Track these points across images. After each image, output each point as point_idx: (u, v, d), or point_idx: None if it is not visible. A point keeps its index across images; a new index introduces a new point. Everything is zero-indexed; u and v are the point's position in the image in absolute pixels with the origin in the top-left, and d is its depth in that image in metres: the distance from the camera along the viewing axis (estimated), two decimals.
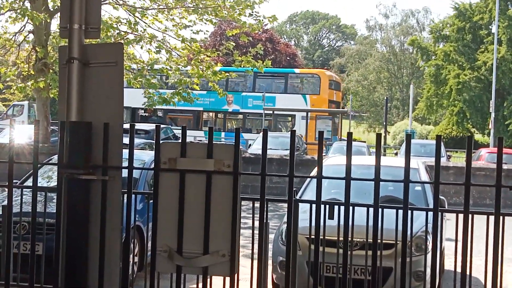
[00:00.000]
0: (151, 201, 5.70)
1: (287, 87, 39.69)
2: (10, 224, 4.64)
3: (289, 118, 39.11)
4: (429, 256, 6.73)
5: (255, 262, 5.16)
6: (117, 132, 4.24)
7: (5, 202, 6.58)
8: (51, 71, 18.05)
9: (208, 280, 4.54)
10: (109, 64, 4.29)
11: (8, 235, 4.77)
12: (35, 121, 4.64)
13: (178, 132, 31.33)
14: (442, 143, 6.08)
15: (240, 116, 40.42)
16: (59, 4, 17.88)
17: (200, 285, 4.49)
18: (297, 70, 44.36)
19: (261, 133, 29.57)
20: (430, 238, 7.04)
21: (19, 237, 6.90)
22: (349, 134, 3.97)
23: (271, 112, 36.60)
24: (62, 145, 4.26)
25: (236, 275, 4.17)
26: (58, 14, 18.06)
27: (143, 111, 39.77)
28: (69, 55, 4.30)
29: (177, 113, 39.68)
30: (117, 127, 4.24)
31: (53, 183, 8.95)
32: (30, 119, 40.75)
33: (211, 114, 41.24)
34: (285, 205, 14.75)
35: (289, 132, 6.10)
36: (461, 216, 5.39)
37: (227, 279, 4.74)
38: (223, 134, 38.98)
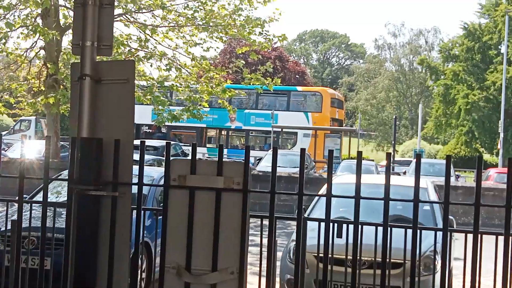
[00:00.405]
0: (160, 217, 5.71)
1: (290, 105, 39.89)
2: (19, 239, 4.65)
3: (292, 136, 39.30)
4: (437, 275, 6.71)
5: (263, 280, 5.15)
6: (128, 149, 4.27)
7: (15, 217, 6.61)
8: (61, 87, 18.16)
9: None
10: (121, 81, 4.32)
11: (17, 250, 4.78)
12: (45, 136, 4.68)
13: (184, 148, 31.48)
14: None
15: (243, 133, 40.61)
16: (70, 21, 18.06)
17: None
18: (299, 88, 44.55)
19: (270, 150, 29.63)
20: (438, 257, 7.02)
21: (27, 252, 6.93)
22: (359, 153, 3.98)
23: (279, 129, 36.72)
24: (72, 161, 4.28)
25: None
26: (69, 31, 18.24)
27: (147, 127, 40.02)
28: (81, 71, 4.34)
29: (180, 129, 39.88)
30: (128, 144, 4.27)
31: (62, 198, 8.98)
32: (38, 134, 40.98)
33: (214, 130, 41.45)
34: (293, 223, 14.65)
35: (298, 150, 6.09)
36: (470, 236, 5.38)
37: None
38: (225, 151, 39.15)
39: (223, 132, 41.07)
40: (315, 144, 35.45)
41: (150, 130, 40.75)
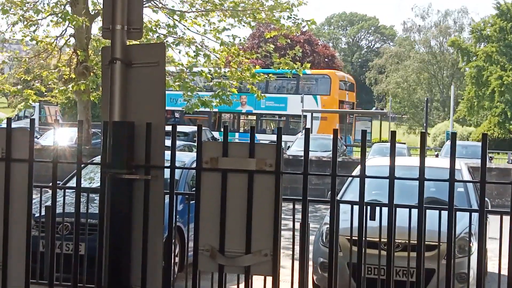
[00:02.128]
0: (192, 201, 5.70)
1: (299, 88, 39.83)
2: (54, 225, 4.69)
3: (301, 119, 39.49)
4: (472, 257, 6.63)
5: (296, 263, 5.13)
6: (159, 132, 4.26)
7: (49, 203, 6.68)
8: (92, 74, 18.26)
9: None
10: (151, 64, 4.31)
11: (52, 236, 4.82)
12: (78, 121, 4.70)
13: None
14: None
15: (254, 117, 40.73)
16: (99, 8, 18.13)
17: (241, 285, 4.48)
18: (308, 71, 44.60)
19: (300, 134, 29.46)
20: (473, 239, 6.93)
21: (61, 238, 7.00)
22: (393, 133, 3.92)
23: (306, 113, 36.68)
24: (105, 145, 4.29)
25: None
26: (99, 17, 18.30)
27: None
28: (112, 55, 4.33)
29: (193, 114, 40.16)
30: (159, 127, 4.26)
31: (95, 184, 9.05)
32: (41, 120, 41.39)
33: (226, 115, 41.56)
34: (324, 207, 14.62)
35: (331, 133, 6.05)
36: (505, 217, 5.30)
37: (268, 279, 4.72)
38: (237, 134, 39.31)
39: (235, 116, 41.23)
40: (354, 127, 35.35)
41: (166, 116, 41.07)
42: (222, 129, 40.30)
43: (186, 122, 40.02)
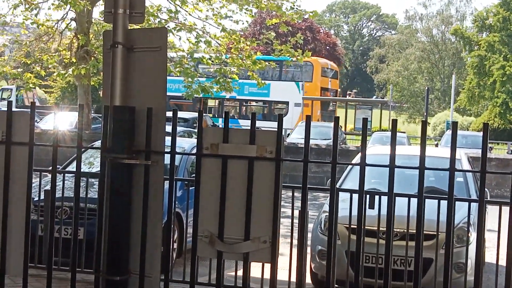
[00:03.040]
0: (191, 188, 5.69)
1: (281, 75, 39.99)
2: (53, 209, 4.69)
3: (284, 106, 39.62)
4: (470, 247, 6.63)
5: (294, 251, 5.14)
6: (160, 117, 4.25)
7: (48, 187, 6.67)
8: (92, 58, 18.21)
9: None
10: (153, 49, 4.29)
11: (51, 220, 4.82)
12: (79, 105, 4.68)
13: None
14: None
15: (237, 103, 40.87)
16: None
17: (239, 272, 4.49)
18: (291, 58, 44.70)
19: (301, 122, 29.43)
20: (471, 229, 6.94)
21: (60, 222, 7.00)
22: (394, 121, 3.91)
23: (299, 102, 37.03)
24: (105, 129, 4.28)
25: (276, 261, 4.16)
26: (100, 1, 18.23)
27: None
28: (114, 39, 4.32)
29: (179, 99, 40.18)
30: (160, 112, 4.25)
31: (94, 169, 9.04)
32: (18, 103, 41.29)
33: (209, 101, 41.68)
34: (322, 194, 14.59)
35: (331, 122, 6.04)
36: (504, 207, 5.30)
37: (266, 266, 4.74)
38: (220, 120, 39.39)
39: (218, 102, 41.37)
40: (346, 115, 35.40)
41: None
42: (209, 115, 40.23)
43: (172, 107, 40.09)
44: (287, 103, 38.14)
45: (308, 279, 7.17)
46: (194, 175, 7.38)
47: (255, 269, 5.15)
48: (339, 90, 47.24)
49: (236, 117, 40.16)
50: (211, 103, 42.38)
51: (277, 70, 40.09)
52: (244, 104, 41.13)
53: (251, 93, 39.23)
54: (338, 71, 46.11)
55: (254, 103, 41.10)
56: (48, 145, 4.63)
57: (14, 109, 4.56)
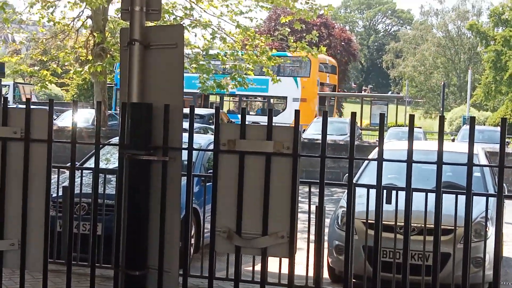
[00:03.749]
0: (208, 183, 5.70)
1: (280, 70, 40.01)
2: (72, 205, 4.73)
3: (283, 101, 39.60)
4: (488, 242, 6.61)
5: (311, 245, 5.14)
6: (177, 113, 4.27)
7: (66, 184, 6.73)
8: (108, 55, 18.29)
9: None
10: (170, 46, 4.31)
11: (70, 216, 4.86)
12: (96, 102, 4.72)
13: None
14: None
15: (236, 98, 40.91)
16: None
17: (257, 267, 4.51)
18: (289, 54, 44.73)
19: (318, 117, 29.39)
20: (489, 224, 6.92)
21: (78, 218, 7.05)
22: (411, 117, 3.91)
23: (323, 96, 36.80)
24: (123, 126, 4.31)
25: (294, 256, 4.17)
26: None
27: None
28: (130, 37, 4.34)
29: None
30: (177, 108, 4.27)
31: (111, 165, 9.09)
32: (15, 99, 41.49)
33: (210, 97, 41.75)
34: (339, 190, 14.56)
35: (348, 117, 6.03)
36: None
37: (283, 261, 4.74)
38: None
39: (218, 97, 41.42)
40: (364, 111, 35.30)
41: None
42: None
43: None
44: (285, 98, 38.18)
45: (325, 274, 7.18)
46: (210, 171, 7.40)
47: (272, 264, 5.16)
48: (337, 84, 47.20)
49: (235, 112, 40.26)
50: (212, 98, 42.46)
51: (275, 66, 40.27)
52: (244, 99, 41.23)
53: (250, 88, 39.35)
54: (336, 66, 46.02)
55: (253, 98, 41.17)
56: (67, 142, 4.66)
57: (32, 106, 4.60)
